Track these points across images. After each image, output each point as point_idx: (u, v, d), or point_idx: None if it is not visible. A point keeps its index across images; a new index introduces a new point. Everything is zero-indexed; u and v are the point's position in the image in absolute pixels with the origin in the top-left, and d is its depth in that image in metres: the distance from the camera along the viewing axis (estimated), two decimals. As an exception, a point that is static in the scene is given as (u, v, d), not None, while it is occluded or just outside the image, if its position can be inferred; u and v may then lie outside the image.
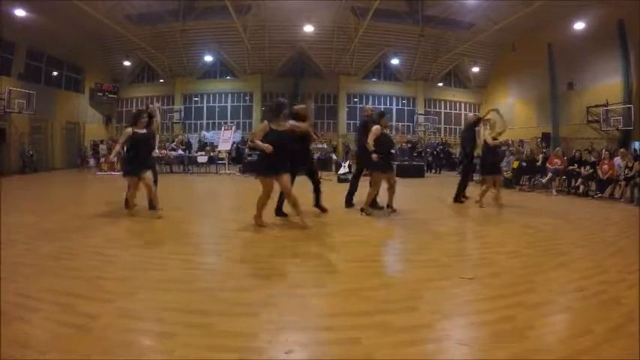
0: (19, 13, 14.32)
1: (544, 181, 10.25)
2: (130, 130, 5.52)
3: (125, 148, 5.70)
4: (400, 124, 22.44)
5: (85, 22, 16.26)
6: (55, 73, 18.54)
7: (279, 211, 5.66)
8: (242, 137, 20.93)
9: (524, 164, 11.18)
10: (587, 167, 9.55)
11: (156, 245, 4.23)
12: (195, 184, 11.55)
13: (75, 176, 14.51)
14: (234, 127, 17.57)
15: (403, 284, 3.11)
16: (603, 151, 11.37)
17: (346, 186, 7.02)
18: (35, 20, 15.13)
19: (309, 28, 18.52)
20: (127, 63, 21.39)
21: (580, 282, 3.13)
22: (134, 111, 8.08)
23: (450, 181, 10.64)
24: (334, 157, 16.46)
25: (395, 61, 21.65)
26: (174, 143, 16.43)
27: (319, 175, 6.33)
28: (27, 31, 15.37)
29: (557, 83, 17.99)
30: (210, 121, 22.70)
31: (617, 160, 9.33)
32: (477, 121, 8.19)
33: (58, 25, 16.36)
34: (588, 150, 10.52)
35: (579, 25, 15.63)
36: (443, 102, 23.93)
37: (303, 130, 5.08)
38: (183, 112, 22.60)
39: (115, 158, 6.88)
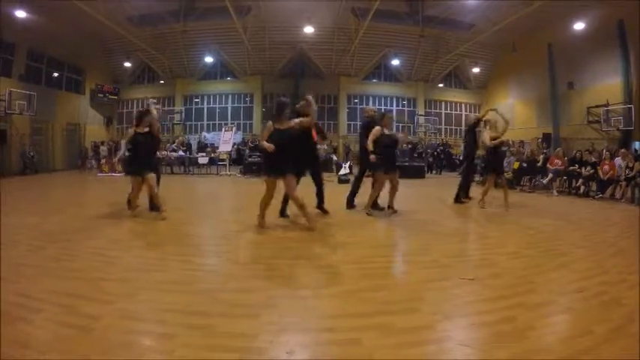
0: (20, 14, 14.33)
1: (545, 181, 10.24)
2: (132, 130, 5.60)
3: (127, 149, 5.72)
4: (401, 125, 22.43)
5: (85, 23, 16.29)
6: (55, 75, 18.56)
7: (283, 212, 5.65)
8: (242, 138, 20.95)
9: (524, 165, 11.18)
10: (588, 168, 9.54)
11: (157, 246, 4.24)
12: (195, 185, 11.56)
13: (76, 177, 14.52)
14: (234, 128, 17.60)
15: (404, 285, 3.11)
16: (604, 151, 11.35)
17: (347, 187, 7.03)
18: (36, 21, 15.16)
19: (309, 29, 18.52)
20: (127, 64, 21.43)
21: (581, 283, 3.13)
22: (135, 112, 8.11)
23: (450, 181, 10.65)
24: (335, 158, 16.46)
25: (395, 62, 21.66)
26: (175, 144, 16.46)
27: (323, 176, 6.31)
28: (27, 32, 15.39)
29: (558, 83, 17.99)
30: (211, 122, 22.71)
31: (618, 160, 9.33)
32: (477, 122, 8.18)
33: (59, 27, 16.40)
34: (589, 150, 10.52)
35: (579, 26, 15.63)
36: (443, 103, 23.93)
37: (306, 125, 4.95)
38: (183, 114, 22.62)
39: (117, 159, 6.90)
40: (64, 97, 19.01)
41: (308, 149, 5.59)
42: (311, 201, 5.76)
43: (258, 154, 15.26)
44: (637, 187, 8.29)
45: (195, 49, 21.00)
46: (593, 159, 9.78)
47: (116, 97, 22.26)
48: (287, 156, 4.68)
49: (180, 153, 15.89)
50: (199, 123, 22.84)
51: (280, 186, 4.85)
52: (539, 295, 2.86)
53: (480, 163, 9.15)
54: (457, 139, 22.32)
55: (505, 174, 7.25)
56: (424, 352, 2.08)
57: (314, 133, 5.67)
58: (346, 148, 20.36)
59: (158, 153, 6.64)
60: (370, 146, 5.77)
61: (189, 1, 19.17)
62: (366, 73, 22.96)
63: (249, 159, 14.87)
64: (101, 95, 21.28)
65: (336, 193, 7.44)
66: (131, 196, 5.78)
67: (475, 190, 8.22)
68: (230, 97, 22.96)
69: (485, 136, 7.09)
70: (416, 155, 17.60)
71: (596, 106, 15.94)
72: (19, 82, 15.92)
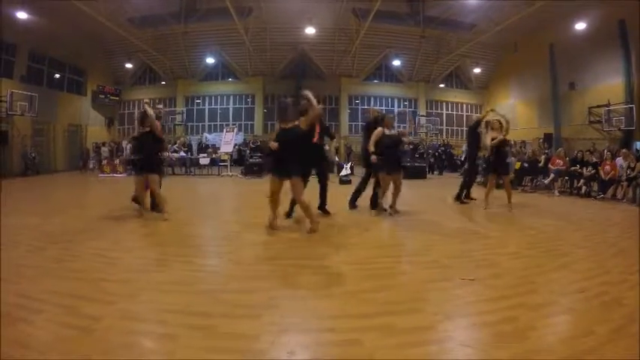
0: (21, 15, 14.39)
1: (546, 182, 10.22)
2: (136, 131, 5.72)
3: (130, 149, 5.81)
4: (402, 125, 22.43)
5: (86, 24, 16.34)
6: (57, 76, 18.63)
7: (289, 214, 5.63)
8: (244, 139, 20.97)
9: (526, 165, 11.16)
10: (589, 168, 9.51)
11: (158, 247, 4.24)
12: (197, 186, 11.57)
13: (77, 178, 14.55)
14: (235, 129, 17.60)
15: (405, 286, 3.11)
16: (605, 151, 11.33)
17: (348, 188, 7.02)
18: (37, 22, 15.22)
19: (310, 30, 18.55)
20: (129, 65, 21.51)
21: (582, 283, 3.12)
22: (136, 113, 8.14)
23: (452, 182, 10.64)
24: (336, 158, 16.43)
25: (396, 63, 21.68)
26: (177, 145, 16.47)
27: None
28: (29, 34, 15.45)
29: (559, 83, 17.99)
30: (212, 123, 22.77)
31: (619, 160, 9.30)
32: (477, 123, 8.17)
33: (60, 28, 16.47)
34: (590, 150, 10.50)
35: (580, 26, 15.64)
36: (444, 103, 23.94)
37: (310, 120, 4.86)
38: (185, 115, 22.66)
39: (118, 160, 6.94)
40: (66, 98, 19.06)
41: (314, 148, 5.55)
42: (314, 202, 5.75)
43: (259, 154, 15.29)
44: (638, 188, 8.26)
45: (197, 50, 21.06)
46: (595, 159, 9.75)
47: (117, 99, 22.32)
48: (292, 156, 4.67)
49: (182, 154, 15.91)
50: (201, 124, 22.89)
51: (287, 187, 4.82)
52: (540, 296, 2.85)
53: (481, 164, 9.13)
54: (458, 140, 22.31)
55: (508, 175, 7.21)
56: (425, 353, 2.08)
57: (316, 132, 5.62)
58: (347, 149, 20.36)
59: (165, 153, 6.64)
60: (371, 147, 5.81)
61: (191, 3, 19.22)
62: (367, 74, 22.98)
63: (251, 160, 14.89)
64: (102, 96, 21.34)
65: (337, 194, 7.42)
66: (137, 194, 5.82)
67: (477, 191, 8.22)
68: (231, 98, 23.00)
69: (487, 137, 7.10)
70: (417, 156, 17.58)
71: (598, 106, 15.93)
72: (21, 83, 15.97)
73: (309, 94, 4.86)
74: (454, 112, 24.07)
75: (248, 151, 17.67)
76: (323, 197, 6.01)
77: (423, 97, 23.32)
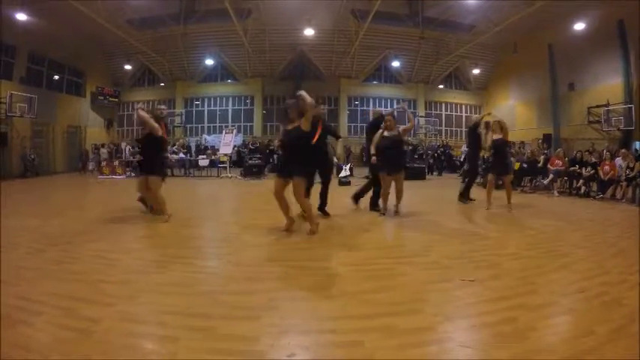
0: (21, 17, 14.38)
1: (545, 182, 10.22)
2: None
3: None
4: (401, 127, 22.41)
5: (86, 25, 16.34)
6: (56, 77, 18.63)
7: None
8: (243, 140, 20.96)
9: (525, 165, 11.17)
10: (589, 168, 9.52)
11: (157, 248, 4.24)
12: (196, 187, 11.56)
13: (76, 180, 14.54)
14: (235, 131, 17.61)
15: (405, 287, 3.10)
16: (604, 151, 11.34)
17: (347, 189, 7.02)
18: (36, 24, 15.21)
19: (309, 31, 18.56)
20: (128, 67, 21.49)
21: (581, 283, 3.12)
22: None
23: (451, 183, 10.65)
24: (335, 159, 16.40)
25: (395, 64, 21.70)
26: (176, 147, 16.46)
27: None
28: (28, 35, 15.45)
29: (558, 84, 18.02)
30: (212, 125, 22.76)
31: (619, 160, 9.31)
32: (477, 123, 8.19)
33: (59, 29, 16.47)
34: (589, 151, 10.50)
35: (579, 26, 15.66)
36: (444, 104, 23.95)
37: (309, 118, 4.77)
38: (184, 116, 22.65)
39: (117, 162, 6.96)
40: (65, 99, 19.07)
41: (316, 149, 5.51)
42: (314, 203, 5.74)
43: (258, 156, 15.28)
44: (638, 188, 8.27)
45: (196, 52, 21.07)
46: (594, 159, 9.76)
47: (117, 100, 22.33)
48: (294, 157, 4.70)
49: (181, 155, 15.89)
50: (200, 125, 22.88)
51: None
52: (540, 296, 2.85)
53: (480, 164, 9.14)
54: (458, 141, 22.32)
55: (509, 175, 7.21)
56: (425, 353, 2.08)
57: (317, 132, 5.59)
58: (347, 150, 20.35)
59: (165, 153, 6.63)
60: (372, 150, 5.98)
61: (190, 4, 19.23)
62: (366, 75, 22.99)
63: (250, 161, 14.88)
64: (102, 98, 21.35)
65: (336, 195, 7.42)
66: (143, 195, 5.90)
67: (476, 192, 8.22)
68: (230, 99, 23.00)
69: (487, 137, 7.13)
70: (416, 157, 17.60)
71: (597, 106, 15.96)
72: (20, 84, 15.97)
73: (302, 92, 4.85)
74: (453, 113, 24.09)
75: (247, 153, 17.68)
76: (323, 198, 6.01)
77: (422, 98, 23.32)
